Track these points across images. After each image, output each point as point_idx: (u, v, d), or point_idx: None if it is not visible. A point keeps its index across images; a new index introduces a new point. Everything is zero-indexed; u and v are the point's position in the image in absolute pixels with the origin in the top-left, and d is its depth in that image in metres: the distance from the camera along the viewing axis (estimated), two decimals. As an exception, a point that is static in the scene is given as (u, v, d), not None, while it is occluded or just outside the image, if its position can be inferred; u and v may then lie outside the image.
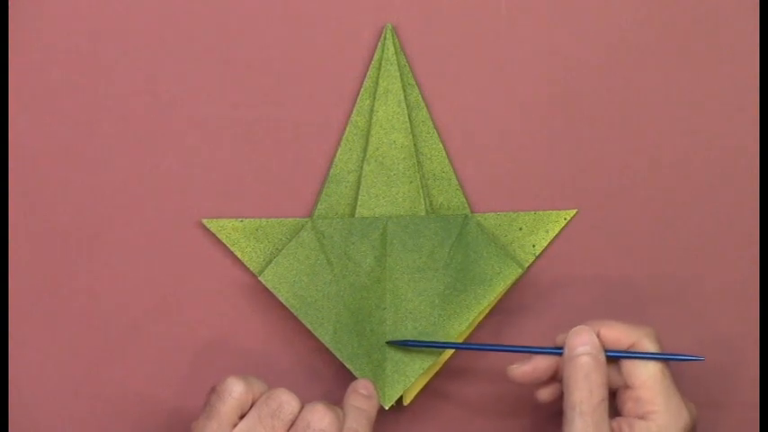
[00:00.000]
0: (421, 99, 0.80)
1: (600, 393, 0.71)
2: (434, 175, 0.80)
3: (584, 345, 0.72)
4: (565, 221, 0.81)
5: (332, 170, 0.80)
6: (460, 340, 0.79)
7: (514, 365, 0.75)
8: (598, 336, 0.73)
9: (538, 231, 0.81)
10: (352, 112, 0.80)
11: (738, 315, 0.82)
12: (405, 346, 0.78)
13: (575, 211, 0.81)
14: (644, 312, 0.81)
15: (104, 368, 0.80)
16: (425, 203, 0.80)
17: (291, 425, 0.72)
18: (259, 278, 0.79)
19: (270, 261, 0.79)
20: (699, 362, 0.75)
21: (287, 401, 0.72)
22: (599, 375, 0.71)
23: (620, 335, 0.73)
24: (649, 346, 0.73)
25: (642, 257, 0.81)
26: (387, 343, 0.78)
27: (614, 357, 0.73)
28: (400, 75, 0.80)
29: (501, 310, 0.80)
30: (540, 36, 0.81)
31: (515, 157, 0.81)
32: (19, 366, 0.80)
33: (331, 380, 0.80)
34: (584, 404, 0.71)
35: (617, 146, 0.81)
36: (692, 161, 0.82)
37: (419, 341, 0.78)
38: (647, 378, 0.72)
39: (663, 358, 0.73)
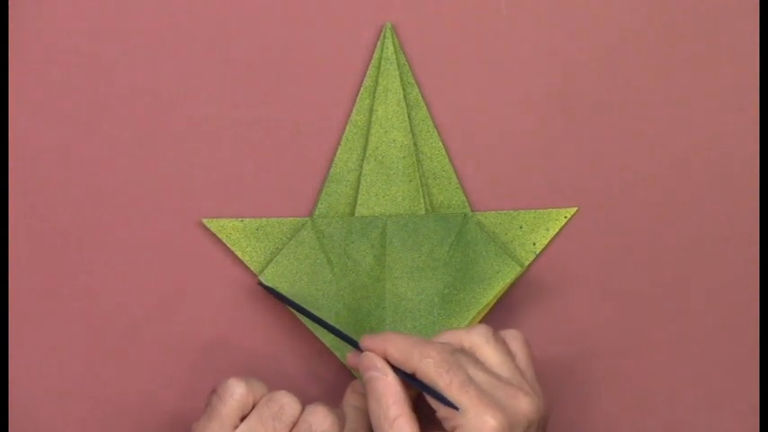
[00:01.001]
0: (420, 98, 0.80)
1: (394, 411, 0.70)
2: (434, 173, 0.80)
3: (368, 371, 0.71)
4: (565, 219, 0.81)
5: (332, 169, 0.80)
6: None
7: (350, 354, 0.74)
8: (386, 353, 0.71)
9: (538, 230, 0.80)
10: (351, 111, 0.80)
11: (738, 314, 0.82)
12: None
13: (575, 209, 0.81)
14: (644, 310, 0.81)
15: (105, 368, 0.80)
16: (425, 202, 0.80)
17: (293, 426, 0.72)
18: (259, 277, 0.79)
19: (270, 260, 0.79)
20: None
21: (288, 403, 0.72)
22: (389, 395, 0.70)
23: (401, 358, 0.71)
24: (427, 373, 0.70)
25: (642, 255, 0.81)
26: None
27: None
28: (400, 74, 0.80)
29: (501, 308, 0.80)
30: (540, 34, 0.81)
31: (515, 155, 0.81)
32: (19, 366, 0.80)
33: (331, 380, 0.80)
34: (382, 425, 0.70)
35: (617, 144, 0.81)
36: (692, 161, 0.82)
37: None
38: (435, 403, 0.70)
39: (430, 393, 0.69)
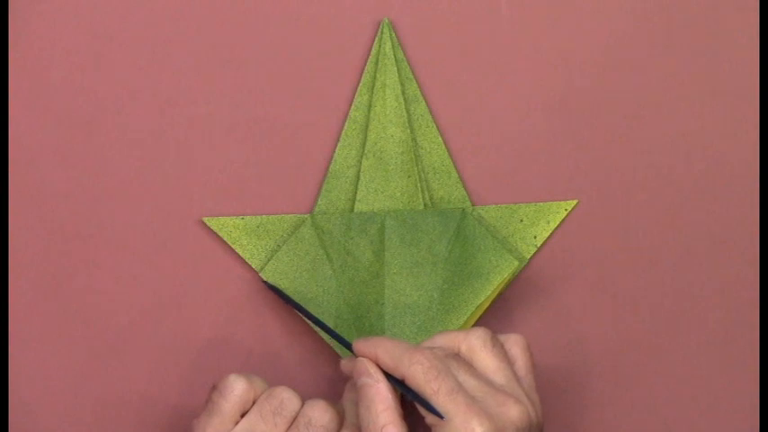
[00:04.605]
0: (419, 93, 0.80)
1: (383, 418, 0.69)
2: (434, 168, 0.80)
3: (361, 376, 0.70)
4: (566, 212, 0.81)
5: (331, 166, 0.80)
6: (461, 335, 0.80)
7: (344, 360, 0.74)
8: (377, 358, 0.70)
9: (539, 223, 0.81)
10: (350, 107, 0.80)
11: (737, 310, 0.82)
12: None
13: (575, 202, 0.81)
14: (644, 304, 0.81)
15: (105, 367, 0.80)
16: (424, 198, 0.80)
17: (293, 421, 0.72)
18: (259, 274, 0.79)
19: (271, 258, 0.79)
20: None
21: (288, 399, 0.72)
22: (379, 402, 0.69)
23: (392, 363, 0.70)
24: (416, 379, 0.69)
25: (642, 248, 0.81)
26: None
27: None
28: (398, 69, 0.80)
29: (502, 302, 0.80)
30: (539, 28, 0.81)
31: (515, 149, 0.81)
32: (19, 366, 0.80)
33: (331, 376, 0.80)
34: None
35: (617, 137, 0.81)
36: (692, 157, 0.82)
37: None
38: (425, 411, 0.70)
39: (416, 399, 0.69)
